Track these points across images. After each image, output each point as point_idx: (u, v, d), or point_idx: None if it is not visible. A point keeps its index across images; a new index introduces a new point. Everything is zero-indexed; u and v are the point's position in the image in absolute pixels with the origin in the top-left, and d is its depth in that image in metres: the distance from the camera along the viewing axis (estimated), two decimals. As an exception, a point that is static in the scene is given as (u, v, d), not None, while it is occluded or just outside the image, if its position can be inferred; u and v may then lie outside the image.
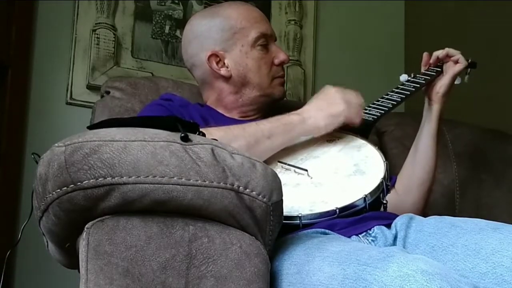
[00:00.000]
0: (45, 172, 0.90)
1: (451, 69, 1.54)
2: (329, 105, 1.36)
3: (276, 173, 1.00)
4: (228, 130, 1.29)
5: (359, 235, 1.21)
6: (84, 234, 0.91)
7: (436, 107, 1.53)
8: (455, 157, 1.88)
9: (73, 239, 0.97)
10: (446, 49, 1.55)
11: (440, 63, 1.57)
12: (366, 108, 1.45)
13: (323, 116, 1.35)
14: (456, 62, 1.54)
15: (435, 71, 1.55)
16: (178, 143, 0.93)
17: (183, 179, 0.90)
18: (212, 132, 1.20)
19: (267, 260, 0.98)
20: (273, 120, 1.34)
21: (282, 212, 1.02)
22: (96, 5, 2.24)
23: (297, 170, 1.32)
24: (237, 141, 1.24)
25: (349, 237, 1.19)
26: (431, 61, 1.57)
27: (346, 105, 1.35)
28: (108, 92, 1.68)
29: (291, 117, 1.35)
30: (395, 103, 1.47)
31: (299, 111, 1.36)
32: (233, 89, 1.53)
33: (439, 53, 1.56)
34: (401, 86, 1.53)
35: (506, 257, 0.98)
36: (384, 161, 1.32)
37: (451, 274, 0.86)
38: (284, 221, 1.05)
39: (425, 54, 1.58)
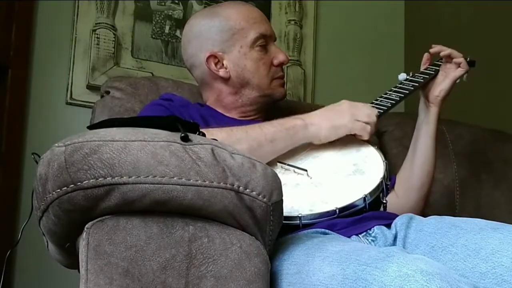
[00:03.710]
0: (45, 172, 0.90)
1: (452, 73, 1.52)
2: (334, 116, 1.35)
3: (276, 173, 1.00)
4: (230, 133, 1.28)
5: (359, 235, 1.21)
6: (84, 234, 0.91)
7: (434, 109, 1.52)
8: (455, 157, 1.88)
9: (73, 239, 0.97)
10: (450, 50, 1.53)
11: (439, 61, 1.56)
12: None
13: (325, 126, 1.34)
14: (458, 66, 1.53)
15: (433, 70, 1.55)
16: (178, 143, 0.93)
17: (183, 179, 0.90)
18: (215, 133, 1.20)
19: (267, 260, 0.98)
20: (276, 124, 1.34)
21: (282, 212, 1.02)
22: (96, 5, 2.24)
23: (296, 170, 1.32)
24: (239, 144, 1.24)
25: (349, 237, 1.19)
26: (431, 50, 1.55)
27: (352, 119, 1.34)
28: (108, 92, 1.68)
29: (295, 122, 1.34)
30: (394, 102, 1.47)
31: (303, 116, 1.36)
32: (232, 90, 1.53)
33: (443, 50, 1.54)
34: (400, 85, 1.52)
35: (506, 257, 0.98)
36: (383, 161, 1.32)
37: (451, 274, 0.86)
38: (284, 221, 1.05)
39: (426, 54, 1.58)
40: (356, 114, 1.35)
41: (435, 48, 1.55)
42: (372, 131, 1.37)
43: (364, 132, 1.36)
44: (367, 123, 1.36)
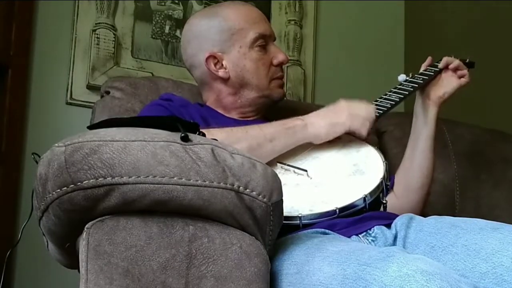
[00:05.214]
0: (45, 172, 0.91)
1: (458, 80, 1.53)
2: (333, 115, 1.36)
3: (276, 173, 1.00)
4: (230, 132, 1.29)
5: (359, 235, 1.21)
6: (84, 234, 0.91)
7: (434, 109, 1.52)
8: (455, 157, 1.88)
9: (73, 239, 0.97)
10: (458, 62, 1.54)
11: (439, 63, 1.57)
12: None
13: (324, 124, 1.35)
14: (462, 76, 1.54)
15: (433, 71, 1.55)
16: (178, 143, 0.93)
17: (183, 179, 0.90)
18: (215, 134, 1.20)
19: (267, 260, 0.98)
20: (276, 124, 1.35)
21: (282, 212, 1.02)
22: (96, 5, 2.24)
23: (296, 170, 1.32)
24: (239, 143, 1.24)
25: (349, 237, 1.19)
26: (440, 66, 1.56)
27: (351, 117, 1.35)
28: (108, 92, 1.68)
29: (294, 122, 1.35)
30: (393, 103, 1.47)
31: (304, 116, 1.37)
32: (231, 90, 1.53)
33: (450, 62, 1.55)
34: (400, 86, 1.53)
35: (506, 257, 0.98)
36: (383, 161, 1.32)
37: (451, 274, 0.86)
38: (284, 221, 1.05)
39: (429, 58, 1.58)
40: (354, 111, 1.36)
41: (443, 62, 1.55)
42: (370, 128, 1.38)
43: (363, 128, 1.36)
44: (365, 119, 1.36)
